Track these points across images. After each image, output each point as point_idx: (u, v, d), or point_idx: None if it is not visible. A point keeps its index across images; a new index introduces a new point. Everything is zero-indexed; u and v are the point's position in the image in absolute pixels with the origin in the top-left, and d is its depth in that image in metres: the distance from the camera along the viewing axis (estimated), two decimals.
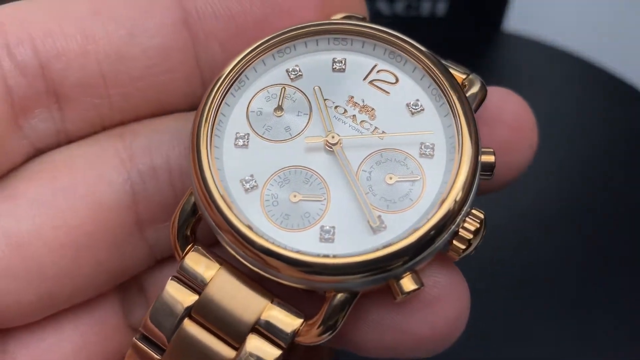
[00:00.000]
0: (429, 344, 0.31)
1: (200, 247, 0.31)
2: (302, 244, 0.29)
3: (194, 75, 0.34)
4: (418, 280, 0.29)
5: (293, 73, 0.32)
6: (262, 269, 0.29)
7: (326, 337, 0.29)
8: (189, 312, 0.31)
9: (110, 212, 0.33)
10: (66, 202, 0.32)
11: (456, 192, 0.29)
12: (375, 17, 0.61)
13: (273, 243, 0.29)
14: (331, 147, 0.31)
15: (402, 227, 0.29)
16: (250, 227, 0.29)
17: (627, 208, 0.51)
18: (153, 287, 0.36)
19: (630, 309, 0.48)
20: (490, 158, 0.30)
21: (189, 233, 0.31)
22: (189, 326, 0.30)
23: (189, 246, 0.31)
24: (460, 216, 0.29)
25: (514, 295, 0.48)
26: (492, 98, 0.33)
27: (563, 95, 0.57)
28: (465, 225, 0.29)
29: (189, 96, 0.34)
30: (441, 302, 0.30)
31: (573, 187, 0.53)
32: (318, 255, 0.28)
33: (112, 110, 0.34)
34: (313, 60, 0.33)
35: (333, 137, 0.31)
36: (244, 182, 0.30)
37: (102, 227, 0.33)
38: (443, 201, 0.29)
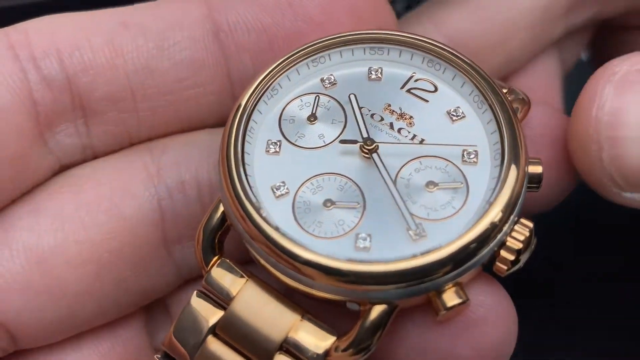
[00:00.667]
0: None
1: (227, 260, 0.30)
2: (336, 252, 0.28)
3: (224, 89, 0.33)
4: (462, 294, 0.28)
5: (327, 82, 0.32)
6: (294, 278, 0.28)
7: (360, 357, 0.28)
8: (214, 329, 0.30)
9: (136, 228, 0.32)
10: (90, 217, 0.31)
11: (503, 200, 0.28)
12: None
13: (306, 249, 0.28)
14: (367, 153, 0.30)
15: (445, 236, 0.28)
16: (281, 234, 0.28)
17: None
18: (178, 308, 0.34)
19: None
20: (538, 169, 0.29)
21: (216, 244, 0.31)
22: (213, 344, 0.30)
23: (215, 258, 0.30)
24: (507, 225, 0.28)
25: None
26: (537, 114, 0.33)
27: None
28: (514, 234, 0.28)
29: (220, 111, 0.34)
30: (488, 324, 0.29)
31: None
32: (353, 261, 0.27)
33: (139, 126, 0.33)
34: (348, 69, 0.32)
35: (369, 142, 0.30)
36: (274, 189, 0.30)
37: (127, 244, 0.32)
38: (488, 209, 0.28)
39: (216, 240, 0.31)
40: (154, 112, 0.33)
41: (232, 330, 0.29)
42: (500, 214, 0.28)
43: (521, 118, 0.31)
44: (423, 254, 0.27)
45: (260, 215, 0.28)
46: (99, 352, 0.33)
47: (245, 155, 0.30)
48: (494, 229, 0.27)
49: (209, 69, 0.33)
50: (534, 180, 0.29)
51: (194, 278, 0.34)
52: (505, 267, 0.28)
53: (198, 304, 0.30)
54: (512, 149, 0.29)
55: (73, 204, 0.32)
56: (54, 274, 0.31)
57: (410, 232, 0.28)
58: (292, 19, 0.33)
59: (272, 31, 0.33)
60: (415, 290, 0.27)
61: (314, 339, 0.28)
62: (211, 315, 0.29)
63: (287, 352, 0.29)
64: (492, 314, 0.29)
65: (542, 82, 0.40)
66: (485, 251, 0.28)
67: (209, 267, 0.30)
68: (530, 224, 0.28)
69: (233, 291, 0.29)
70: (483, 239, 0.27)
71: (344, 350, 0.28)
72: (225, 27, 0.33)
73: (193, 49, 0.32)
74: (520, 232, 0.28)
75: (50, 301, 0.31)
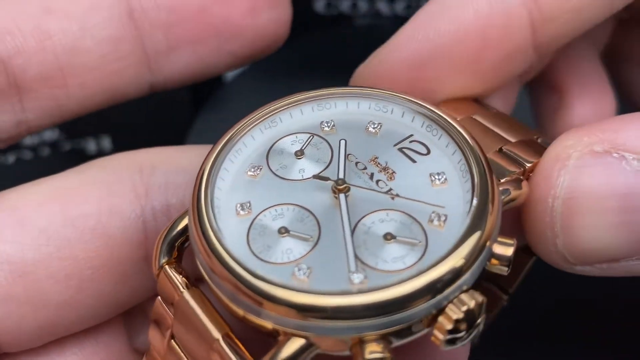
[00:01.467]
0: None
1: (167, 268, 0.31)
2: (270, 274, 0.27)
3: (142, 62, 0.37)
4: (385, 351, 0.26)
5: (327, 125, 0.32)
6: (230, 297, 0.28)
7: None
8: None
9: (120, 247, 0.33)
10: (76, 234, 0.32)
11: (450, 264, 0.26)
12: (375, 17, 0.61)
13: (241, 264, 0.27)
14: (336, 193, 0.30)
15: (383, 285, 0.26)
16: (224, 247, 0.28)
17: None
18: None
19: None
20: (507, 250, 0.28)
21: (174, 249, 0.31)
22: (174, 347, 0.30)
23: (165, 261, 0.31)
24: (449, 290, 0.26)
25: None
26: None
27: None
28: (456, 301, 0.26)
29: (138, 82, 0.37)
30: None
31: None
32: (286, 287, 0.26)
33: (69, 99, 0.36)
34: (350, 119, 0.32)
35: (340, 182, 0.30)
36: (238, 206, 0.30)
37: (110, 261, 0.32)
38: (431, 269, 0.26)
39: (175, 245, 0.31)
40: (82, 86, 0.36)
41: (177, 339, 0.30)
42: (442, 276, 0.26)
43: (512, 199, 0.30)
44: (352, 294, 0.26)
45: (211, 223, 0.28)
46: (82, 356, 0.34)
47: (223, 172, 0.31)
48: (431, 289, 0.26)
49: (127, 45, 0.36)
50: (502, 260, 0.28)
51: None
52: (440, 336, 0.26)
53: (158, 305, 0.31)
54: (478, 219, 0.28)
55: (60, 219, 0.32)
56: (37, 286, 0.32)
57: (352, 275, 0.27)
58: None
59: (180, 8, 0.36)
60: (332, 327, 0.26)
61: None
62: (167, 321, 0.30)
63: None
64: None
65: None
66: (417, 309, 0.26)
67: (159, 269, 0.31)
68: (480, 298, 0.27)
69: (173, 296, 0.30)
70: (416, 295, 0.26)
71: None
72: (138, 8, 0.36)
73: (112, 27, 0.36)
74: (465, 303, 0.26)
75: (32, 311, 0.32)
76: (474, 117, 0.34)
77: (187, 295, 0.30)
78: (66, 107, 0.36)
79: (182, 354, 0.30)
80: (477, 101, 0.36)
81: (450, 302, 0.26)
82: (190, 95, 0.58)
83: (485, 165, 0.29)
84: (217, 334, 0.28)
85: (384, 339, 0.26)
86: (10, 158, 0.56)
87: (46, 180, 0.34)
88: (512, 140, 0.33)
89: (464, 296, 0.27)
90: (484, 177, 0.29)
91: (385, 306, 0.26)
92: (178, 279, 0.30)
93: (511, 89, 0.39)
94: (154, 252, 0.31)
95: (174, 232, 0.31)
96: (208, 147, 0.34)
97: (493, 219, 0.28)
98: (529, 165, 0.31)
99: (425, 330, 0.27)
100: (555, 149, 0.30)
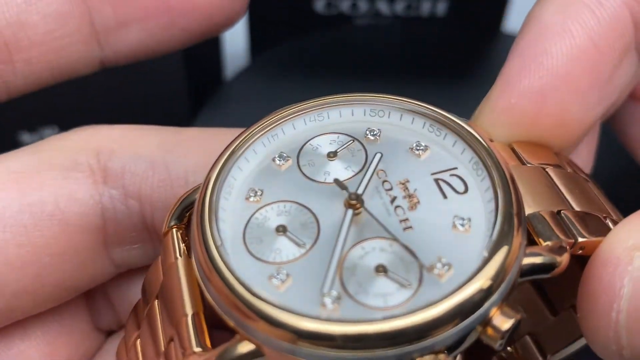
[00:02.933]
0: None
1: (175, 231, 0.30)
2: (248, 269, 0.26)
3: (90, 38, 0.36)
4: None
5: (371, 134, 0.30)
6: (196, 261, 0.27)
7: None
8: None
9: (79, 234, 0.32)
10: (32, 220, 0.31)
11: (410, 321, 0.24)
12: (375, 17, 0.61)
13: (221, 257, 0.26)
14: (346, 206, 0.28)
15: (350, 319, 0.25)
16: (216, 244, 0.27)
17: None
18: (117, 292, 0.36)
19: None
20: (504, 323, 0.25)
21: (185, 218, 0.30)
22: (155, 308, 0.30)
23: (175, 224, 0.30)
24: (412, 347, 0.24)
25: None
26: None
27: None
28: None
29: (87, 58, 0.37)
30: None
31: None
32: (253, 293, 0.25)
33: (16, 76, 0.35)
34: (398, 132, 0.30)
35: (353, 197, 0.28)
36: (251, 191, 0.29)
37: (69, 248, 0.32)
38: (395, 318, 0.24)
39: (187, 214, 0.30)
40: (28, 62, 0.35)
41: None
42: (409, 328, 0.24)
43: (554, 271, 0.27)
44: (308, 317, 0.24)
45: (210, 209, 0.27)
46: (46, 340, 0.34)
47: (250, 152, 0.30)
48: (395, 339, 0.24)
49: (75, 20, 0.35)
50: (496, 331, 0.25)
51: (132, 270, 0.35)
52: None
53: (155, 265, 0.31)
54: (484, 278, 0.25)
55: (17, 205, 0.31)
56: None
57: (324, 297, 0.25)
58: None
59: None
60: (276, 344, 0.25)
61: (182, 345, 0.27)
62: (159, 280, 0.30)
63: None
64: None
65: None
66: (378, 354, 0.24)
67: (167, 229, 0.30)
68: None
69: (169, 259, 0.30)
70: (379, 339, 0.24)
71: None
72: None
73: (59, 2, 0.35)
74: None
75: None
76: (546, 169, 0.31)
77: (180, 262, 0.29)
78: (12, 83, 0.36)
79: (157, 318, 0.30)
80: (558, 155, 0.33)
81: None
82: (190, 95, 0.58)
83: (516, 222, 0.26)
84: (189, 310, 0.28)
85: None
86: None
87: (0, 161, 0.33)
88: (576, 208, 0.29)
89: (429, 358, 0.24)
90: (508, 232, 0.26)
91: (344, 341, 0.24)
92: (179, 244, 0.30)
93: (592, 134, 0.37)
94: (168, 213, 0.31)
95: (191, 200, 0.30)
96: (170, 129, 0.34)
97: (501, 281, 0.25)
98: (582, 240, 0.28)
99: None
100: (614, 250, 0.27)
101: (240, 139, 0.30)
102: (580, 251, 0.28)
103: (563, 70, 0.31)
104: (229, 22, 0.38)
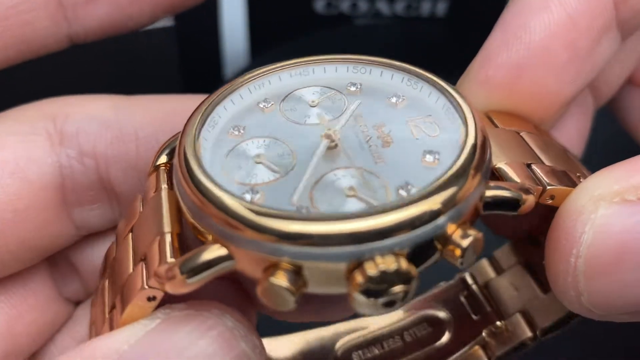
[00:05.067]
0: None
1: (161, 169, 0.31)
2: (227, 187, 0.27)
3: (57, 12, 0.36)
4: (292, 282, 0.25)
5: (353, 86, 0.32)
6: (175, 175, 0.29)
7: (179, 285, 0.26)
8: None
9: (39, 192, 0.33)
10: None
11: (368, 224, 0.25)
12: (375, 17, 0.61)
13: (204, 173, 0.27)
14: (323, 136, 0.30)
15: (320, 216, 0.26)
16: (197, 160, 0.28)
17: None
18: (81, 259, 0.37)
19: None
20: (463, 241, 0.26)
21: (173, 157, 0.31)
22: (128, 238, 0.31)
23: (161, 163, 0.32)
24: (372, 245, 0.25)
25: None
26: None
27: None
28: (370, 263, 0.25)
29: (55, 33, 0.37)
30: None
31: None
32: (227, 190, 0.27)
33: None
34: (378, 86, 0.32)
35: (333, 133, 0.30)
36: (233, 128, 0.31)
37: (30, 205, 0.33)
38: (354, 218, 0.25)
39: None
40: None
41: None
42: (367, 229, 0.26)
43: (520, 209, 0.28)
44: (286, 217, 0.26)
45: (193, 139, 0.29)
46: (11, 305, 0.35)
47: (236, 96, 0.32)
48: (355, 237, 0.25)
49: None
50: (457, 247, 0.26)
51: (93, 234, 0.36)
52: (355, 286, 0.26)
53: (134, 201, 0.32)
54: (443, 188, 0.27)
55: None
56: None
57: (293, 201, 0.27)
58: None
59: None
60: (253, 241, 0.26)
61: (157, 257, 0.28)
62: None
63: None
64: None
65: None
66: (339, 250, 0.25)
67: (154, 169, 0.32)
68: (395, 266, 0.25)
69: (150, 193, 0.31)
70: (341, 237, 0.25)
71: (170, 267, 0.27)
72: None
73: None
74: (381, 263, 0.25)
75: None
76: (520, 133, 0.32)
77: (164, 191, 0.30)
78: None
79: (130, 244, 0.30)
80: (537, 127, 0.34)
81: (370, 259, 0.25)
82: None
83: (478, 155, 0.28)
84: (167, 228, 0.29)
85: (298, 273, 0.26)
86: None
87: None
88: (548, 164, 0.31)
89: (383, 258, 0.25)
90: (469, 165, 0.27)
91: (321, 238, 0.25)
92: (164, 177, 0.31)
93: (583, 116, 0.38)
94: (156, 152, 0.32)
95: (174, 145, 0.31)
96: (121, 96, 0.36)
97: (462, 195, 0.26)
98: (550, 187, 0.29)
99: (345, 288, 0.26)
100: (580, 200, 0.28)
101: (228, 86, 0.32)
102: (550, 201, 0.29)
103: (540, 44, 0.32)
104: None
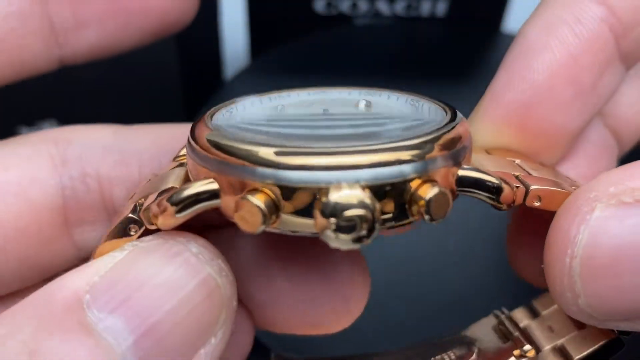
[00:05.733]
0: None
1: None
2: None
3: (50, 38, 0.39)
4: (267, 212, 0.26)
5: (363, 102, 0.33)
6: None
7: (169, 217, 0.27)
8: None
9: (42, 212, 0.34)
10: None
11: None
12: (375, 17, 0.61)
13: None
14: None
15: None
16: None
17: None
18: None
19: None
20: (428, 191, 0.26)
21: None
22: None
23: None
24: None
25: None
26: None
27: None
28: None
29: (47, 55, 0.39)
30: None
31: None
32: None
33: None
34: (385, 103, 0.33)
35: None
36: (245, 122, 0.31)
37: (32, 224, 0.34)
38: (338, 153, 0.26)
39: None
40: None
41: None
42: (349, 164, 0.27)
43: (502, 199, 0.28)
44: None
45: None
46: None
47: (248, 101, 0.32)
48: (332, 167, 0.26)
49: (34, 20, 0.38)
50: (423, 200, 0.26)
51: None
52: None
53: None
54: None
55: None
56: None
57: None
58: None
59: None
60: (232, 165, 0.26)
61: (149, 213, 0.28)
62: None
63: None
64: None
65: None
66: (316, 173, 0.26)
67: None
68: (361, 213, 0.26)
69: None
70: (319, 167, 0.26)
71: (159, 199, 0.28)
72: None
73: (19, 4, 0.37)
74: (347, 200, 0.26)
75: None
76: (515, 161, 0.32)
77: (177, 168, 0.31)
78: None
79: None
80: (542, 163, 0.34)
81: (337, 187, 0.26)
82: (186, 95, 0.58)
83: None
84: (173, 184, 0.29)
85: (274, 205, 0.26)
86: None
87: None
88: (535, 174, 0.31)
89: (346, 192, 0.25)
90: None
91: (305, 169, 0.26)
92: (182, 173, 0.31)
93: (602, 150, 0.38)
94: (172, 158, 0.33)
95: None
96: (122, 125, 0.37)
97: (433, 155, 0.27)
98: (534, 187, 0.29)
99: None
100: (577, 200, 0.28)
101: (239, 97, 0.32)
102: (538, 203, 0.29)
103: (545, 84, 0.32)
104: (181, 21, 0.42)
